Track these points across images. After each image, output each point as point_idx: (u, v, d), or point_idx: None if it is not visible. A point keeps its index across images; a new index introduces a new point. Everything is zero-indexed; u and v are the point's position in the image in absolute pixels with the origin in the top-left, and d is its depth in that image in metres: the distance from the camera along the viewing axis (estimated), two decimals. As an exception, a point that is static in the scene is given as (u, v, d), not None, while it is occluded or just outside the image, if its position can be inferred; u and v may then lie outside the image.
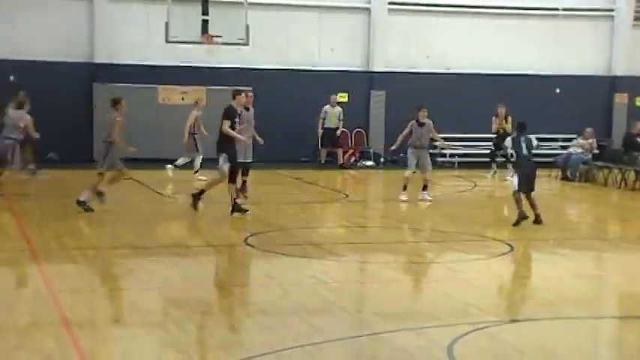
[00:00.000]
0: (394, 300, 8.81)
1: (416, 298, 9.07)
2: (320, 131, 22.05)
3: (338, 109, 22.04)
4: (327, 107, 22.05)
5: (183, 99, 21.75)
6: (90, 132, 21.56)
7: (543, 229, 13.11)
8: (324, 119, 22.06)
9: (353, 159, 23.09)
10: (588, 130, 20.69)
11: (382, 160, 23.05)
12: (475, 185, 19.45)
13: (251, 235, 11.94)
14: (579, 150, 20.48)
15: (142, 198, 16.09)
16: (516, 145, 13.45)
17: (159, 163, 19.06)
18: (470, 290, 9.27)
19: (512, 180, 13.95)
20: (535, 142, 13.70)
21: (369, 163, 22.66)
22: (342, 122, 22.09)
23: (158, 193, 16.49)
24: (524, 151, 13.36)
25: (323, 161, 22.13)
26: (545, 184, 19.67)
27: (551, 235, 12.89)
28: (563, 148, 22.55)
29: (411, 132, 16.09)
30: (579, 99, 24.24)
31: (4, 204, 14.05)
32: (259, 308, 8.35)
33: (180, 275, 9.81)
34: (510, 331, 7.87)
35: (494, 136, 20.59)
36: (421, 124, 16.15)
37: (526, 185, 13.33)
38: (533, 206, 13.34)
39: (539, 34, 24.39)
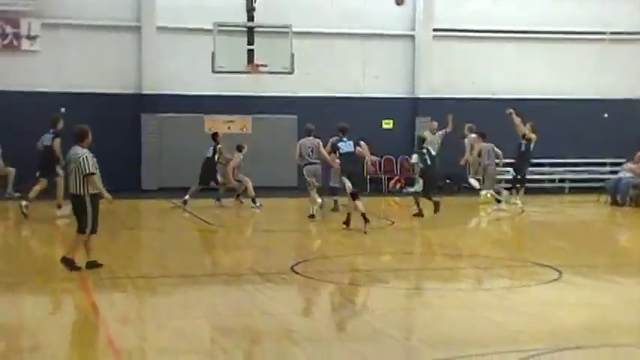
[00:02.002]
0: (442, 327, 8.74)
1: (464, 325, 8.98)
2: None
3: (439, 134, 21.78)
4: (426, 133, 21.88)
5: (229, 128, 21.98)
6: (138, 162, 21.89)
7: (593, 255, 12.95)
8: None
9: (399, 185, 23.05)
10: (639, 154, 20.43)
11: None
12: (523, 211, 19.27)
13: (297, 263, 11.97)
14: (629, 174, 20.23)
15: (190, 226, 16.24)
16: (421, 157, 17.55)
17: (205, 191, 19.24)
18: (518, 317, 9.17)
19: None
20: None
21: (412, 189, 22.55)
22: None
23: (206, 222, 16.62)
24: (429, 162, 17.55)
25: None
26: (594, 208, 19.51)
27: (600, 261, 12.72)
28: (612, 172, 22.29)
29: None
30: (627, 123, 23.98)
31: (54, 233, 14.29)
32: (306, 336, 8.35)
33: (227, 303, 9.86)
34: (559, 359, 7.76)
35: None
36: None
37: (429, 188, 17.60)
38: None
39: (586, 59, 24.24)
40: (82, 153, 11.08)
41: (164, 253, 13.35)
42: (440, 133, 21.63)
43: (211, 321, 9.07)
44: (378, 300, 9.96)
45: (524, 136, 20.12)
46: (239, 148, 19.03)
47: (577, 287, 11.32)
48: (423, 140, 18.23)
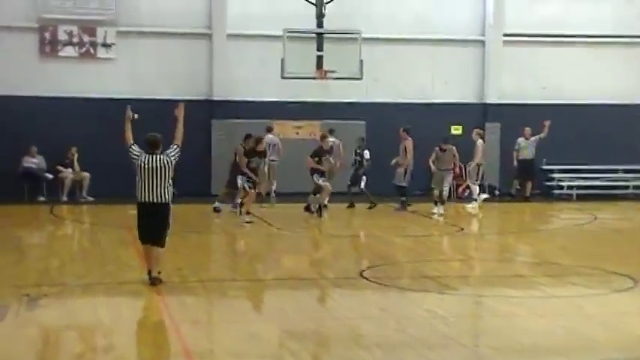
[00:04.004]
0: (512, 334, 8.65)
1: (535, 332, 8.86)
2: (515, 163, 22.06)
3: (533, 139, 21.85)
4: (520, 139, 21.95)
5: (297, 133, 22.11)
6: (209, 167, 22.16)
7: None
8: (517, 151, 21.99)
9: (468, 192, 22.83)
10: None
11: (497, 192, 22.75)
12: (595, 218, 18.93)
13: (367, 268, 11.98)
14: None
15: (258, 230, 16.38)
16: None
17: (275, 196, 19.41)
18: (593, 325, 9.01)
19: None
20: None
21: (484, 195, 22.35)
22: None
23: (274, 226, 16.73)
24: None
25: (513, 192, 22.23)
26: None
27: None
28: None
29: None
30: None
31: (127, 237, 14.55)
32: (375, 341, 8.35)
33: (296, 307, 9.92)
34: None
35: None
36: None
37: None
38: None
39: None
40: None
41: (234, 256, 13.51)
42: (534, 138, 21.63)
43: (280, 325, 9.14)
44: (447, 306, 9.89)
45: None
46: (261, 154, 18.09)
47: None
48: None
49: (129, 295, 10.22)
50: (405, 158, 19.14)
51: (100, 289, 10.59)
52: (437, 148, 18.55)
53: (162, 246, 10.72)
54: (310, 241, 15.81)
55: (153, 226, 10.65)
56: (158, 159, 10.64)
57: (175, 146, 10.85)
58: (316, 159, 18.12)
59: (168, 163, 10.64)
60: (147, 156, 10.65)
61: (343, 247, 15.09)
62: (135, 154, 10.71)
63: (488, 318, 9.61)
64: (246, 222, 16.58)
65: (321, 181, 17.95)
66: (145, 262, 10.80)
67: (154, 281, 10.56)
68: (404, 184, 19.30)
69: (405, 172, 19.21)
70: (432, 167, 18.81)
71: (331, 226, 17.28)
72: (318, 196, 18.05)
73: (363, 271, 11.79)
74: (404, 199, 19.30)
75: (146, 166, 10.58)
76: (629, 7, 23.76)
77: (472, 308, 10.30)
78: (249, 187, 16.87)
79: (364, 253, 13.96)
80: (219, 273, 12.24)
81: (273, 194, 20.29)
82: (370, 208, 19.47)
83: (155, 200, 10.59)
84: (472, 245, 15.67)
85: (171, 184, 10.75)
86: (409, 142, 19.20)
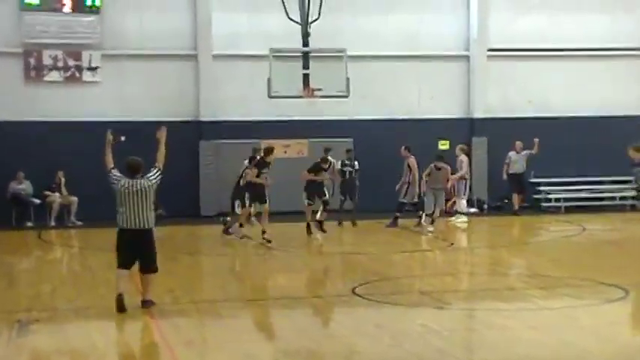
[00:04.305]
0: (507, 347, 8.65)
1: (529, 344, 8.87)
2: (504, 176, 22.04)
3: (524, 153, 21.92)
4: (511, 153, 22.00)
5: (285, 152, 22.10)
6: (197, 188, 22.14)
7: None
8: (508, 164, 22.03)
9: (456, 207, 22.86)
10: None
11: (485, 206, 22.82)
12: (584, 229, 19.00)
13: (359, 285, 11.97)
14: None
15: (250, 251, 16.34)
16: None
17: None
18: (586, 337, 9.03)
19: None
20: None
21: (473, 210, 22.43)
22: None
23: (267, 242, 16.60)
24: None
25: (516, 207, 21.95)
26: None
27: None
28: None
29: None
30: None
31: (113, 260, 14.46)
32: (371, 358, 8.33)
33: (290, 326, 9.89)
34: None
35: None
36: None
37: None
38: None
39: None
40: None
41: (226, 277, 13.46)
42: (524, 152, 21.75)
43: (275, 344, 9.12)
44: (441, 321, 9.89)
45: None
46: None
47: (644, 305, 11.11)
48: None
49: (121, 319, 10.15)
50: (409, 176, 19.22)
51: (92, 313, 10.54)
52: (432, 166, 18.38)
53: (156, 271, 10.61)
54: (302, 260, 15.78)
55: (141, 255, 10.46)
56: (139, 183, 10.42)
57: (156, 169, 10.64)
58: (312, 174, 18.21)
59: (148, 187, 10.44)
60: (127, 180, 10.42)
61: (335, 265, 15.08)
62: (115, 179, 10.48)
63: (482, 331, 9.61)
64: (242, 237, 16.89)
65: (305, 202, 18.04)
66: (117, 284, 10.45)
67: (147, 304, 10.45)
68: (404, 200, 19.33)
69: (408, 189, 19.23)
70: (424, 185, 18.68)
71: (322, 243, 17.25)
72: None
73: (355, 287, 11.78)
74: (398, 214, 19.34)
75: (127, 190, 10.36)
76: (612, 20, 23.94)
77: (466, 322, 10.30)
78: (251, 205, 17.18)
79: (356, 270, 13.93)
80: (212, 293, 12.20)
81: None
82: (355, 224, 19.57)
83: (139, 226, 10.37)
84: (463, 260, 15.69)
85: (152, 208, 10.57)
86: (412, 160, 19.29)
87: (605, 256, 15.44)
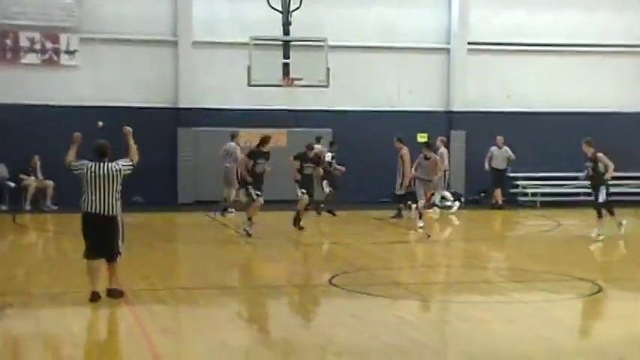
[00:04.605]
0: (483, 340, 8.69)
1: (504, 337, 8.91)
2: (487, 167, 21.97)
3: (505, 149, 21.89)
4: (493, 148, 21.97)
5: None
6: (174, 175, 22.04)
7: (633, 269, 12.80)
8: (490, 159, 21.99)
9: (433, 199, 22.93)
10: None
11: (463, 200, 22.88)
12: (559, 224, 19.13)
13: (335, 276, 11.97)
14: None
15: (228, 239, 16.29)
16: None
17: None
18: (559, 330, 9.09)
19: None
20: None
21: (449, 203, 22.48)
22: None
23: (243, 234, 16.60)
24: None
25: (500, 202, 21.89)
26: (633, 222, 19.24)
27: (641, 274, 12.58)
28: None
29: None
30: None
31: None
32: (347, 349, 8.33)
33: (266, 315, 9.89)
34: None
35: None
36: None
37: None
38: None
39: (624, 71, 24.04)
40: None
41: (203, 265, 13.41)
42: (505, 148, 21.76)
43: (251, 333, 9.10)
44: (418, 313, 9.93)
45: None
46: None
47: (618, 301, 11.20)
48: None
49: (97, 305, 10.08)
50: (404, 167, 18.99)
51: (68, 299, 10.45)
52: (421, 156, 17.98)
53: (116, 259, 10.24)
54: (280, 249, 15.75)
55: (104, 242, 10.11)
56: (106, 167, 10.05)
57: (130, 160, 10.32)
58: (298, 162, 17.51)
59: (116, 171, 10.05)
60: (94, 164, 10.05)
61: (313, 255, 15.08)
62: (79, 166, 10.10)
63: (458, 324, 9.64)
64: (247, 230, 16.04)
65: (299, 192, 17.32)
66: (92, 280, 10.13)
67: (113, 293, 10.19)
68: (401, 192, 19.21)
69: (402, 180, 19.09)
70: (414, 175, 18.15)
71: (302, 234, 17.23)
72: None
73: (332, 278, 11.78)
74: (401, 205, 19.27)
75: (93, 174, 10.00)
76: (592, 15, 24.07)
77: (442, 314, 10.33)
78: (257, 195, 16.17)
79: (334, 261, 13.94)
80: (188, 281, 12.15)
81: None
82: (334, 214, 19.54)
83: (103, 212, 10.01)
84: (441, 252, 15.74)
85: (119, 197, 10.16)
86: (405, 151, 19.08)
87: (580, 251, 15.54)
